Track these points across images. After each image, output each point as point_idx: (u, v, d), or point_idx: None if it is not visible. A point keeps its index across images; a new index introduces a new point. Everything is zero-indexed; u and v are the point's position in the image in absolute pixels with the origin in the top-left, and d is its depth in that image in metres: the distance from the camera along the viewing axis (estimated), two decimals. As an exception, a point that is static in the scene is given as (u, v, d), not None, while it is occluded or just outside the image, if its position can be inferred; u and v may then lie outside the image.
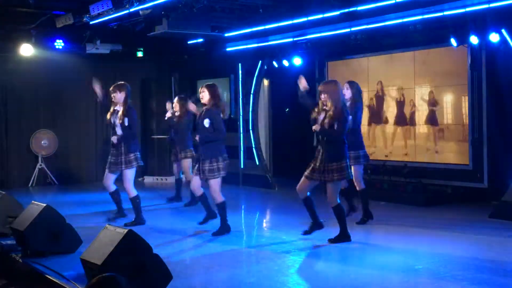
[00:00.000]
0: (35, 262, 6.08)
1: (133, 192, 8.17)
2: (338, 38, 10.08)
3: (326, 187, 7.07)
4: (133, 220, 8.19)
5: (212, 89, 7.50)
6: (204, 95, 7.48)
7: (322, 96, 6.89)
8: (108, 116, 8.29)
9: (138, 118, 8.45)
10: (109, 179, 8.27)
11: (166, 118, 10.16)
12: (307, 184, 7.02)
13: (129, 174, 8.14)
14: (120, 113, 8.14)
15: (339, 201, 6.95)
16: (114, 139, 8.12)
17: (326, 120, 6.79)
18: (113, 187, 8.37)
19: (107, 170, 8.25)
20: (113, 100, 8.23)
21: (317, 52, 11.29)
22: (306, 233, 7.23)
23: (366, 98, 10.97)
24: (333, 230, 7.24)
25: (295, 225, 8.16)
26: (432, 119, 10.17)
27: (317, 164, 6.86)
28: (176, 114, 9.89)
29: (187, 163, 9.80)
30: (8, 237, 6.98)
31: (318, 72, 12.01)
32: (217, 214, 7.78)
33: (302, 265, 6.22)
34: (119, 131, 8.13)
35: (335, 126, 6.74)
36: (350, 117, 7.16)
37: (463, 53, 9.48)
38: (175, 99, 10.11)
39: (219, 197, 7.48)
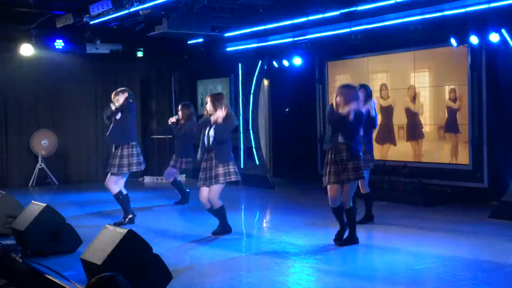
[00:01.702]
0: (35, 262, 6.08)
1: (114, 189, 8.20)
2: (338, 38, 10.08)
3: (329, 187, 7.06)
4: (122, 219, 8.19)
5: (218, 97, 7.53)
6: (208, 106, 7.48)
7: (338, 98, 6.81)
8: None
9: (133, 112, 8.40)
10: (121, 181, 8.33)
11: (169, 123, 9.89)
12: (337, 189, 6.85)
13: (113, 178, 8.19)
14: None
15: (352, 203, 6.93)
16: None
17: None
18: (123, 190, 8.31)
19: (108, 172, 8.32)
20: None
21: (317, 52, 11.29)
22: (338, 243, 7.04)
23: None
24: (334, 231, 7.24)
25: (295, 225, 8.17)
26: (432, 119, 10.17)
27: (335, 166, 6.79)
28: (181, 121, 9.75)
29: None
30: (8, 237, 6.98)
31: (318, 72, 12.02)
32: (231, 229, 7.70)
33: (302, 265, 6.22)
34: (110, 133, 8.28)
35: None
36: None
37: (463, 53, 9.48)
38: (179, 106, 9.92)
39: (218, 203, 7.50)
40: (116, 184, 8.20)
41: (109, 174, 8.22)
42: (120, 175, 8.20)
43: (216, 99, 7.43)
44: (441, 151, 10.05)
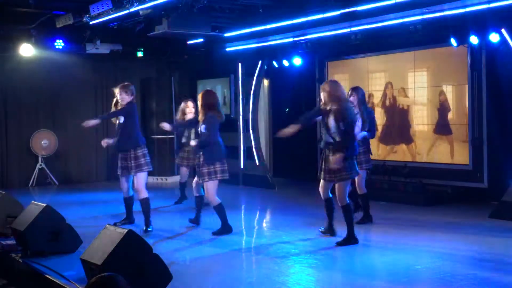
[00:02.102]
0: (35, 262, 6.08)
1: (144, 194, 7.87)
2: (338, 38, 10.08)
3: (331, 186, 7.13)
4: (144, 227, 7.85)
5: (204, 96, 7.67)
6: (199, 102, 7.70)
7: (321, 94, 6.91)
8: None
9: (136, 114, 8.07)
10: (124, 185, 8.03)
11: (186, 120, 9.39)
12: (325, 186, 7.07)
13: (142, 176, 7.82)
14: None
15: (348, 200, 6.96)
16: (108, 142, 8.06)
17: (332, 121, 6.80)
18: (130, 192, 8.09)
19: (120, 175, 8.01)
20: (119, 101, 7.92)
21: (317, 52, 11.29)
22: (322, 232, 7.39)
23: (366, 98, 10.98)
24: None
25: (295, 225, 8.17)
26: (431, 119, 10.17)
27: (325, 164, 6.92)
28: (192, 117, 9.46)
29: None
30: (8, 237, 6.98)
31: (318, 72, 12.01)
32: (199, 222, 8.12)
33: (302, 265, 6.22)
34: (119, 134, 7.91)
35: (341, 126, 6.73)
36: (360, 121, 7.34)
37: (463, 53, 9.48)
38: (190, 102, 9.69)
39: (214, 200, 7.58)
40: (145, 186, 7.91)
41: (139, 173, 7.77)
42: (146, 172, 7.89)
43: (202, 100, 7.62)
44: (439, 150, 10.05)
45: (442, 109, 10.00)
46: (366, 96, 10.66)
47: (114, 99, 8.03)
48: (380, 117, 10.84)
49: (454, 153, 9.82)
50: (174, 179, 13.12)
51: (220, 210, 7.61)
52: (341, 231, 7.05)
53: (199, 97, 7.72)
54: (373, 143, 10.68)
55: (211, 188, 7.52)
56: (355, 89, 8.17)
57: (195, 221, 8.21)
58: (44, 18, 10.71)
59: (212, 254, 6.74)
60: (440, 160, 10.04)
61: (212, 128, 7.51)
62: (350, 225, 6.92)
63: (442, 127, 9.99)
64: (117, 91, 7.95)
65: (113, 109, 8.09)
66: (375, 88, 11.02)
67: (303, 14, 9.67)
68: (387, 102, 10.84)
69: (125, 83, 8.10)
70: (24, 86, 12.60)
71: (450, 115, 9.93)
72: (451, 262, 6.14)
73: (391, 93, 10.79)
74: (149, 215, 7.94)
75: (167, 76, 14.01)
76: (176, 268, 5.52)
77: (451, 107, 9.95)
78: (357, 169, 7.00)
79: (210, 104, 7.61)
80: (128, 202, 8.22)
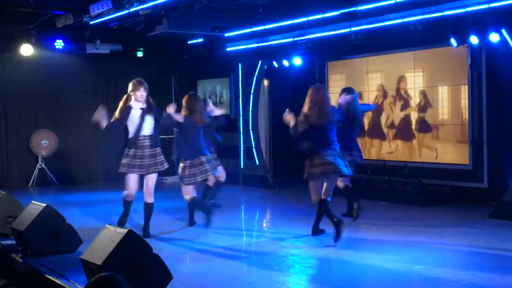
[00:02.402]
0: (35, 262, 6.08)
1: (152, 198, 7.65)
2: (338, 38, 10.08)
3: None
4: (143, 231, 7.53)
5: (187, 100, 7.94)
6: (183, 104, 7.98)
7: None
8: (118, 115, 7.60)
9: None
10: (135, 186, 7.61)
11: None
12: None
13: (155, 176, 7.63)
14: (145, 110, 7.42)
15: (329, 199, 7.12)
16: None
17: None
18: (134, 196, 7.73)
19: (132, 173, 7.51)
20: (135, 98, 7.41)
21: (317, 52, 11.28)
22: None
23: (366, 98, 10.98)
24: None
25: (295, 225, 8.16)
26: (431, 119, 10.17)
27: None
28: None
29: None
30: (8, 237, 6.98)
31: (318, 72, 12.01)
32: (194, 222, 8.20)
33: (302, 265, 6.22)
34: (150, 131, 7.46)
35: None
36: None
37: (463, 53, 9.48)
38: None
39: (187, 196, 7.92)
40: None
41: (155, 173, 7.59)
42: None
43: (184, 104, 7.90)
44: (441, 150, 10.07)
45: (423, 108, 10.16)
46: (368, 96, 10.72)
47: (125, 96, 7.54)
48: (383, 116, 10.86)
49: (457, 153, 9.82)
50: (174, 179, 13.11)
51: (194, 203, 7.93)
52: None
53: (183, 100, 7.94)
54: (377, 142, 10.74)
55: (182, 188, 7.91)
56: (345, 90, 8.25)
57: (190, 222, 8.18)
58: (44, 18, 10.72)
59: (212, 254, 6.74)
60: (440, 160, 10.04)
61: (179, 131, 7.87)
62: (319, 219, 7.21)
63: (424, 125, 10.11)
64: (134, 86, 7.41)
65: (121, 106, 7.58)
66: (375, 88, 11.02)
67: (303, 14, 9.68)
68: (395, 99, 10.80)
69: (141, 79, 7.54)
70: (24, 86, 12.61)
71: (453, 115, 9.94)
72: (451, 262, 6.14)
73: (404, 91, 10.73)
74: (149, 220, 7.71)
75: (167, 76, 14.01)
76: (176, 268, 5.53)
77: (448, 107, 9.97)
78: (336, 169, 6.99)
79: (190, 108, 7.80)
80: (129, 205, 7.78)
